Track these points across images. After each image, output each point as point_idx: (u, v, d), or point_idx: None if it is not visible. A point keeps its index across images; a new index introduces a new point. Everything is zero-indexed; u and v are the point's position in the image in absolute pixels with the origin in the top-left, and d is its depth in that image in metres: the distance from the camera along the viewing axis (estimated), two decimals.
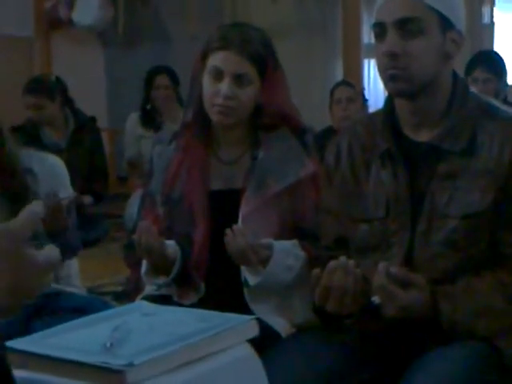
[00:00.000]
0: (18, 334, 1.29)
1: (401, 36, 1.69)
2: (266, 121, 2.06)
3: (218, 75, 2.00)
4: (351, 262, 1.64)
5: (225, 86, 1.98)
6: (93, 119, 4.81)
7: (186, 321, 1.33)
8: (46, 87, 4.51)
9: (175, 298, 2.03)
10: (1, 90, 5.43)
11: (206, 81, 2.02)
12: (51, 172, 2.55)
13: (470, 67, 4.20)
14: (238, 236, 1.89)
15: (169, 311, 1.44)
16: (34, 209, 0.95)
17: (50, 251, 0.95)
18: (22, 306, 0.98)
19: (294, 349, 1.75)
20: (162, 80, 4.91)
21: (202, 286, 2.02)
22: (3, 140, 2.41)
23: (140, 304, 1.49)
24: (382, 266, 1.60)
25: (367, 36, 5.68)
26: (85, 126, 4.62)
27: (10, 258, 0.91)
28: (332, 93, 4.57)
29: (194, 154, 2.09)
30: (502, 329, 1.64)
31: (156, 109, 4.92)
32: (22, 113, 4.51)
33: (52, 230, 2.46)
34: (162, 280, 2.04)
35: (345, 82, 4.77)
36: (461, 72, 3.21)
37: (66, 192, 2.60)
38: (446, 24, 1.72)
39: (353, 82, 4.80)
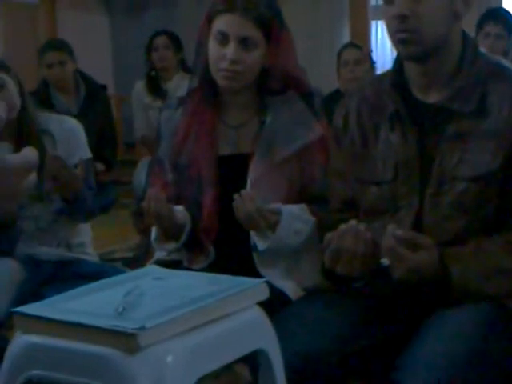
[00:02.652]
0: (31, 301, 1.30)
1: None
2: (273, 84, 2.05)
3: (224, 39, 1.98)
4: (361, 226, 1.64)
5: (230, 50, 1.97)
6: (103, 87, 4.81)
7: (196, 284, 1.34)
8: (67, 44, 4.55)
9: (185, 263, 2.05)
10: (8, 56, 5.41)
11: (212, 45, 2.01)
12: (69, 134, 2.57)
13: (482, 21, 4.17)
14: (246, 201, 1.89)
15: (180, 275, 1.45)
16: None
17: (27, 152, 0.94)
18: (7, 211, 0.97)
19: (303, 312, 1.76)
20: (160, 40, 4.90)
21: (212, 250, 2.02)
22: (24, 100, 2.44)
23: (151, 269, 1.50)
24: (390, 228, 1.60)
25: None
26: (96, 93, 4.62)
27: None
28: (339, 55, 4.54)
29: (202, 119, 2.08)
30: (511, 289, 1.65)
31: (160, 75, 4.91)
32: (29, 78, 4.50)
33: (67, 193, 2.47)
34: (171, 246, 2.05)
35: (352, 44, 4.75)
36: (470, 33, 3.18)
37: (84, 154, 2.61)
38: None
39: (360, 44, 4.77)
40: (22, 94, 2.47)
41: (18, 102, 2.45)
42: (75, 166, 2.52)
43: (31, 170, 0.92)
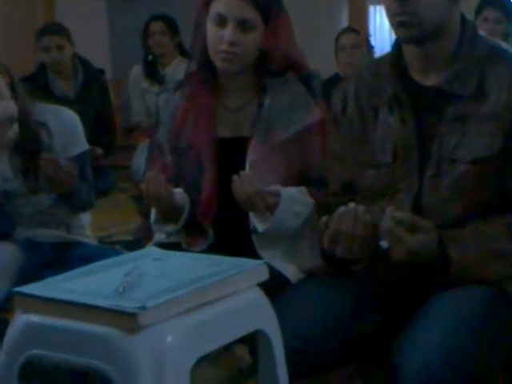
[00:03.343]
0: (31, 283, 1.30)
1: None
2: (272, 67, 2.05)
3: (222, 21, 1.98)
4: (360, 208, 1.64)
5: (228, 32, 1.97)
6: (101, 71, 4.79)
7: (196, 265, 1.35)
8: (65, 28, 4.53)
9: (184, 246, 2.05)
10: (5, 40, 5.39)
11: (210, 28, 2.01)
12: (66, 126, 2.56)
13: (481, 6, 4.17)
14: (245, 182, 1.90)
15: (179, 256, 1.45)
16: None
17: (6, 103, 0.94)
18: None
19: (303, 294, 1.77)
20: (156, 26, 4.87)
21: (211, 232, 2.03)
22: (14, 92, 2.40)
23: (151, 250, 1.50)
24: (389, 210, 1.60)
25: None
26: (94, 78, 4.61)
27: None
28: (337, 40, 4.54)
29: (200, 102, 2.08)
30: (511, 273, 1.65)
31: (158, 60, 4.89)
32: (27, 62, 4.50)
33: (63, 192, 2.48)
34: (171, 228, 2.06)
35: (350, 29, 4.75)
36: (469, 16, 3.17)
37: (81, 146, 2.61)
38: None
39: (358, 29, 4.77)
40: (13, 87, 2.43)
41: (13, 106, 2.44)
42: (72, 159, 2.52)
43: (12, 121, 0.92)
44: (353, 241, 1.63)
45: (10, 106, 0.91)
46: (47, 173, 2.38)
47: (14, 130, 0.91)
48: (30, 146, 2.46)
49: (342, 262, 1.71)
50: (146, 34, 4.91)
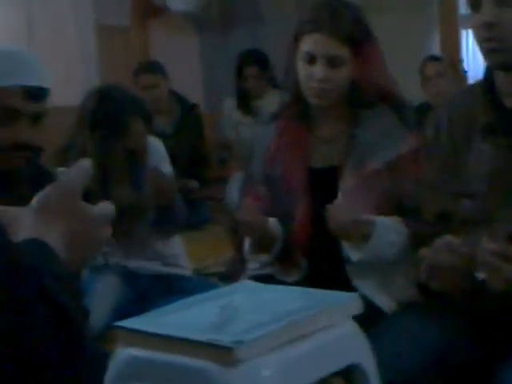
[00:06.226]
0: (130, 314, 1.34)
1: (496, 4, 1.65)
2: (364, 97, 2.05)
3: (311, 59, 2.00)
4: (457, 241, 1.62)
5: (318, 70, 1.99)
6: (196, 106, 4.89)
7: (290, 298, 1.35)
8: (160, 67, 4.64)
9: (278, 276, 2.06)
10: (102, 79, 5.57)
11: (300, 65, 2.04)
12: (153, 150, 2.70)
13: None
14: (339, 211, 1.90)
15: (273, 289, 1.46)
16: (83, 165, 0.96)
17: (105, 205, 0.96)
18: (84, 262, 0.98)
19: (399, 326, 1.75)
20: (249, 71, 4.88)
21: (304, 262, 2.04)
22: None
23: (245, 283, 1.52)
24: (485, 241, 1.58)
25: (464, 7, 5.54)
26: (189, 112, 4.70)
27: (65, 212, 0.91)
28: (421, 70, 4.49)
29: (293, 134, 2.11)
30: None
31: (250, 93, 4.94)
32: None
33: (159, 204, 2.59)
34: (264, 257, 2.08)
35: (432, 57, 4.68)
36: None
37: (167, 167, 2.74)
38: None
39: (441, 56, 4.70)
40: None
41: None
42: None
43: (109, 223, 0.95)
44: (449, 273, 1.61)
45: (106, 208, 0.94)
46: (153, 181, 2.52)
47: (107, 232, 0.94)
48: None
49: (438, 293, 1.68)
50: (239, 75, 4.94)
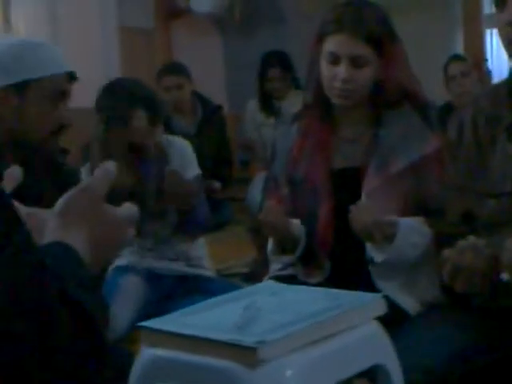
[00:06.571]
0: (153, 315, 1.35)
1: None
2: (387, 98, 2.04)
3: (335, 59, 2.00)
4: (481, 242, 1.61)
5: (342, 70, 1.98)
6: (220, 107, 4.90)
7: (313, 299, 1.35)
8: (184, 68, 4.65)
9: (301, 277, 2.06)
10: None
11: (323, 65, 2.03)
12: (180, 152, 2.72)
13: None
14: (362, 212, 1.89)
15: (296, 290, 1.46)
16: (108, 167, 0.97)
17: (129, 208, 0.97)
18: (106, 263, 1.00)
19: (422, 327, 1.74)
20: (273, 73, 4.89)
21: (327, 264, 2.03)
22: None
23: (267, 284, 1.52)
24: (510, 242, 1.56)
25: (488, 6, 5.51)
26: (212, 114, 4.71)
27: (88, 215, 0.92)
28: (445, 69, 4.47)
29: (316, 134, 2.10)
30: None
31: (273, 93, 4.95)
32: None
33: (179, 207, 2.60)
34: (287, 258, 2.08)
35: (456, 57, 4.66)
36: None
37: (194, 170, 2.74)
38: None
39: (465, 56, 4.67)
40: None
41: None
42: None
43: (132, 224, 0.96)
44: (473, 275, 1.60)
45: (130, 210, 0.95)
46: (171, 185, 2.52)
47: (130, 233, 0.95)
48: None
49: (463, 295, 1.67)
50: (262, 77, 4.95)
